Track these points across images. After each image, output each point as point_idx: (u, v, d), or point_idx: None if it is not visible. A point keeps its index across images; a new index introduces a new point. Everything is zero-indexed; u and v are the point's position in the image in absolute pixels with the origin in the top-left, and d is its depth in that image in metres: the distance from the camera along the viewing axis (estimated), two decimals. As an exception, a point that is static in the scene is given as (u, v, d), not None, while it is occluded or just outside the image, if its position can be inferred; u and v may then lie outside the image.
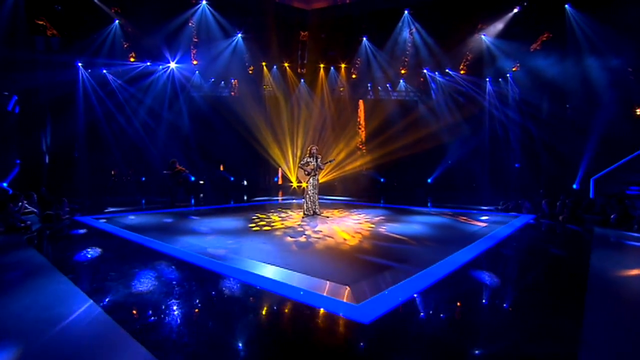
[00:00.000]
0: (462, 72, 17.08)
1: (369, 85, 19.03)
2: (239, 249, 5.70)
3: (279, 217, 9.25)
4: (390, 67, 17.37)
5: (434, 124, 17.02)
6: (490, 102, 16.36)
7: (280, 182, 18.68)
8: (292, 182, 18.06)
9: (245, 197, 15.00)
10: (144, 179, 16.57)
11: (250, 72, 17.87)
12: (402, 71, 17.90)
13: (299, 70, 18.51)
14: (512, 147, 15.35)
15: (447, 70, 17.30)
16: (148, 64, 16.04)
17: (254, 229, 7.55)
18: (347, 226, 7.89)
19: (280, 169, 18.32)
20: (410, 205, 11.94)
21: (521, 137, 15.19)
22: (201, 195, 15.47)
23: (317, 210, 9.34)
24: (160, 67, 16.55)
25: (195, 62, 17.26)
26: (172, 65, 16.75)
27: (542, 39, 14.41)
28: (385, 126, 17.74)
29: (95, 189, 13.89)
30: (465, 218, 9.09)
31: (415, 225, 7.99)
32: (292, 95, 18.27)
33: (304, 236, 6.78)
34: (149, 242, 6.15)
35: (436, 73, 17.84)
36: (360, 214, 9.82)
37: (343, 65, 18.46)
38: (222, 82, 18.46)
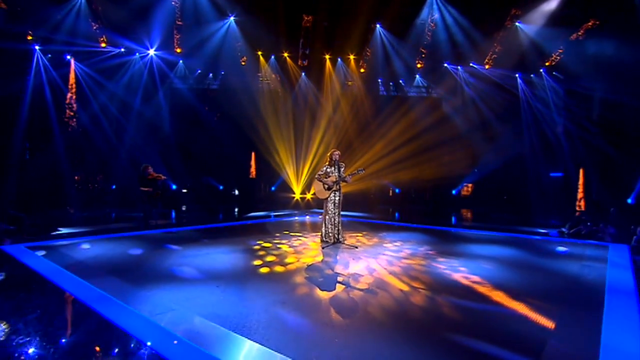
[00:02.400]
0: (487, 66, 15.27)
1: (379, 80, 17.09)
2: (251, 321, 3.56)
3: (291, 246, 7.12)
4: (408, 59, 15.47)
5: (460, 126, 15.11)
6: (528, 102, 14.53)
7: (282, 191, 16.49)
8: (294, 194, 15.88)
9: (237, 211, 12.81)
10: (114, 187, 14.22)
11: (242, 63, 15.75)
12: (419, 65, 16.04)
13: (300, 62, 16.45)
14: (554, 152, 13.54)
15: (471, 64, 15.49)
16: (122, 50, 13.78)
17: (261, 270, 5.40)
18: (390, 263, 5.82)
19: (281, 176, 16.10)
20: (447, 226, 9.95)
21: (565, 141, 13.39)
22: (183, 208, 13.21)
23: (340, 237, 7.23)
24: (137, 54, 14.31)
25: (178, 50, 15.07)
26: (151, 52, 14.53)
27: (586, 27, 12.67)
28: (398, 127, 15.77)
29: (46, 201, 11.50)
30: (539, 249, 7.11)
31: (484, 261, 5.96)
32: (294, 90, 16.18)
33: (340, 287, 4.66)
34: (98, 301, 3.96)
35: (458, 68, 16.02)
36: (394, 241, 7.76)
37: (352, 57, 16.49)
38: (211, 75, 16.32)
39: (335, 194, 7.36)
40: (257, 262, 5.81)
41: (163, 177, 9.06)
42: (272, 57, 16.22)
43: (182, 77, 15.57)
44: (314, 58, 16.48)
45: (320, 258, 6.17)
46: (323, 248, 6.86)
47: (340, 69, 16.56)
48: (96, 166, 13.51)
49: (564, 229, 8.66)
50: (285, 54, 16.28)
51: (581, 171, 12.85)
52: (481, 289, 4.62)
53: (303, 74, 16.61)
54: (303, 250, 6.77)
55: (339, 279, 5.01)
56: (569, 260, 6.24)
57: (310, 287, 4.63)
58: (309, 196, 15.74)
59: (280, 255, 6.32)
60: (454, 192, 15.54)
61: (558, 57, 14.11)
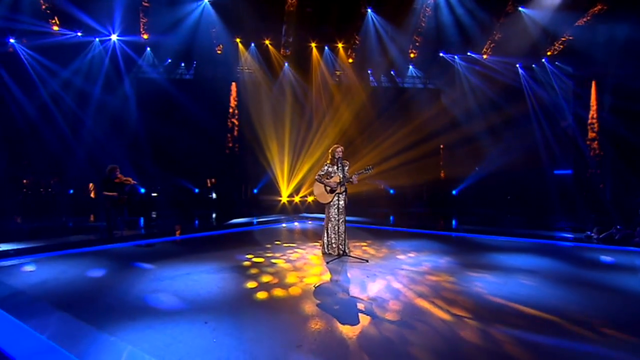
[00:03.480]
0: (485, 56, 14.84)
1: (369, 71, 16.41)
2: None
3: (287, 260, 6.23)
4: (404, 47, 14.84)
5: (460, 121, 14.56)
6: (534, 93, 14.10)
7: (266, 193, 15.50)
8: (280, 196, 14.92)
9: (217, 218, 11.79)
10: (71, 191, 12.88)
11: (218, 51, 14.74)
12: (412, 55, 15.47)
13: (282, 51, 15.54)
14: (562, 148, 13.18)
15: (469, 53, 15.03)
16: (79, 34, 12.52)
17: (258, 295, 4.49)
18: (414, 281, 5.06)
19: (265, 176, 15.10)
20: (459, 231, 9.29)
21: (574, 135, 13.03)
22: (154, 215, 12.07)
23: (346, 249, 6.38)
24: (97, 39, 13.06)
25: (145, 37, 13.92)
26: (114, 37, 13.32)
27: (593, 12, 12.34)
28: (388, 121, 15.09)
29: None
30: (577, 258, 6.50)
31: (522, 276, 5.31)
32: (278, 81, 15.24)
33: (364, 318, 3.82)
34: (39, 356, 2.98)
35: (455, 57, 15.52)
36: (406, 250, 7.00)
37: (341, 45, 15.72)
38: (183, 64, 15.23)
39: (339, 197, 6.53)
40: (251, 285, 4.89)
41: (132, 181, 7.98)
42: (252, 45, 15.25)
43: (151, 65, 14.38)
44: (299, 46, 15.63)
45: (327, 276, 5.31)
46: (328, 263, 5.99)
47: (328, 58, 15.76)
48: (48, 167, 12.14)
49: (591, 234, 8.12)
50: (267, 42, 15.36)
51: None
52: (538, 314, 3.88)
53: (286, 64, 15.71)
54: (304, 266, 5.89)
55: (360, 306, 4.16)
56: (623, 272, 5.61)
57: (327, 321, 3.75)
58: (297, 199, 14.85)
59: (277, 273, 5.42)
60: (454, 192, 14.99)
61: (561, 46, 13.78)
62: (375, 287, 4.79)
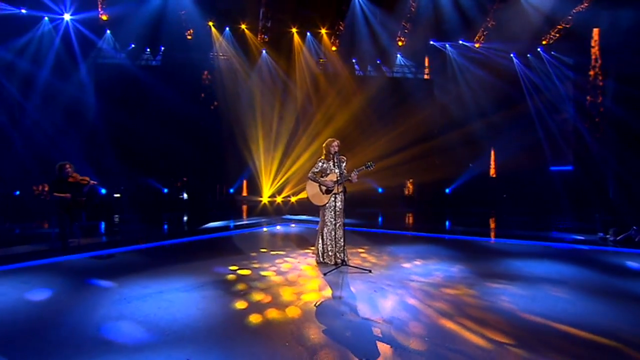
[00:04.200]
0: (476, 44, 14.63)
1: (353, 59, 15.96)
2: None
3: (278, 272, 5.62)
4: (392, 34, 14.45)
5: (454, 114, 14.25)
6: (532, 83, 13.94)
7: (244, 193, 14.74)
8: (261, 197, 14.20)
9: (190, 222, 11.00)
10: (17, 193, 11.77)
11: (188, 36, 13.95)
12: (400, 43, 15.13)
13: (259, 37, 14.85)
14: (561, 143, 13.07)
15: (461, 42, 14.79)
16: (23, 11, 11.46)
17: (251, 319, 3.86)
18: (429, 296, 4.59)
19: (243, 174, 14.36)
20: (462, 234, 8.91)
21: (574, 128, 12.93)
22: (116, 219, 11.17)
23: (345, 257, 5.82)
24: (46, 17, 12.00)
25: (104, 18, 12.97)
26: (67, 17, 12.29)
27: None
28: (378, 113, 14.65)
29: None
30: (602, 264, 6.18)
31: (550, 287, 4.95)
32: (256, 69, 14.53)
33: (384, 347, 3.29)
34: None
35: (446, 45, 15.26)
36: (410, 257, 6.55)
37: (324, 31, 15.18)
38: (148, 49, 14.31)
39: (335, 198, 5.96)
40: (239, 305, 4.25)
41: (90, 180, 7.14)
42: (227, 29, 14.49)
43: (112, 50, 13.39)
44: (278, 32, 14.98)
45: (328, 292, 4.73)
46: (325, 275, 5.41)
47: (311, 45, 15.17)
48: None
49: (605, 235, 7.87)
50: (243, 26, 14.65)
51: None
52: (589, 337, 3.44)
53: (264, 51, 15.03)
54: (298, 279, 5.28)
55: (376, 330, 3.60)
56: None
57: (339, 352, 3.18)
58: (279, 199, 14.19)
59: (269, 289, 4.79)
60: (447, 190, 14.70)
61: (557, 35, 13.66)
62: (388, 305, 4.25)
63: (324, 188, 5.98)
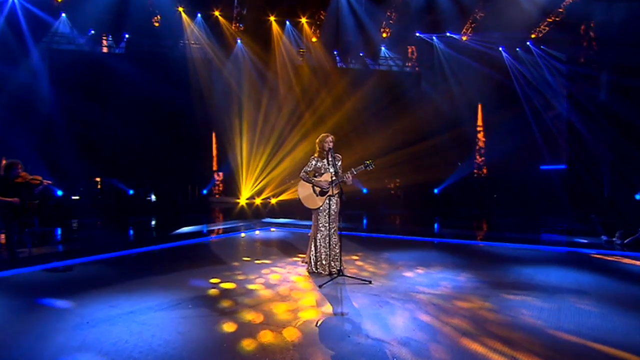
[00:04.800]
0: (464, 37, 14.52)
1: (335, 52, 15.63)
2: None
3: (267, 285, 5.17)
4: (377, 24, 14.19)
5: (442, 110, 14.10)
6: (525, 79, 13.93)
7: (217, 195, 14.12)
8: (238, 198, 13.62)
9: (160, 227, 10.36)
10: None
11: (155, 23, 13.27)
12: (384, 34, 14.91)
13: (234, 25, 14.27)
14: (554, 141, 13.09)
15: (449, 34, 14.68)
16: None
17: (245, 345, 3.42)
18: (443, 310, 4.26)
19: (216, 174, 13.73)
20: (457, 237, 8.69)
21: (567, 125, 12.95)
22: (74, 224, 10.40)
23: (341, 267, 5.41)
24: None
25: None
26: (14, -4, 11.41)
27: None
28: (363, 108, 14.36)
29: None
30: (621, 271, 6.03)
31: (574, 299, 4.70)
32: (232, 57, 13.95)
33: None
34: None
35: (433, 38, 15.11)
36: (411, 265, 6.24)
37: (304, 20, 14.76)
38: (110, 37, 13.53)
39: (330, 200, 5.54)
40: (228, 327, 3.77)
41: (43, 180, 6.44)
42: (199, 15, 13.86)
43: (69, 35, 12.54)
44: (255, 20, 14.46)
45: (327, 308, 4.30)
46: (321, 287, 4.98)
47: (291, 35, 14.71)
48: None
49: (613, 239, 7.77)
50: (217, 13, 14.05)
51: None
52: None
53: (239, 41, 14.48)
54: (291, 292, 4.83)
55: (392, 354, 3.20)
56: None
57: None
58: (258, 201, 13.64)
59: (259, 306, 4.33)
60: (436, 190, 14.54)
61: (547, 28, 13.69)
62: (399, 323, 3.86)
63: (317, 189, 5.56)
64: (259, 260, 6.54)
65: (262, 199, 13.77)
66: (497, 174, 13.90)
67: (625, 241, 7.48)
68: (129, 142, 12.23)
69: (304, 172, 5.62)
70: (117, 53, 13.28)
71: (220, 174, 13.60)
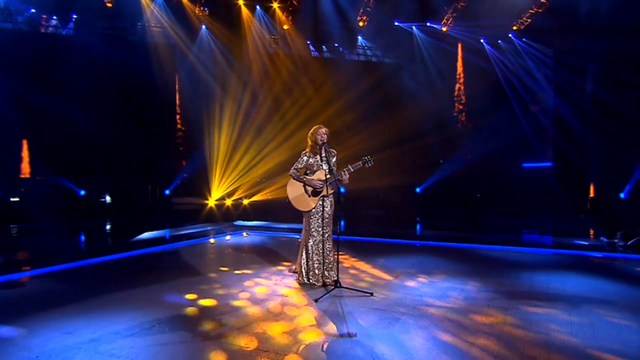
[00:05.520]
0: (444, 27, 14.43)
1: (308, 41, 15.22)
2: None
3: (253, 300, 4.68)
4: (354, 12, 13.90)
5: (424, 103, 13.94)
6: (509, 70, 13.96)
7: (182, 195, 13.36)
8: (206, 199, 12.91)
9: (118, 233, 9.61)
10: None
11: (108, 4, 12.45)
12: (361, 23, 14.66)
13: (197, 9, 13.57)
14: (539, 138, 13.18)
15: (429, 24, 14.59)
16: None
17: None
18: (463, 328, 3.95)
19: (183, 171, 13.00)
20: (452, 241, 8.46)
21: (553, 122, 13.06)
22: (14, 230, 9.50)
23: (337, 277, 5.00)
24: None
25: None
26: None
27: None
28: (341, 103, 14.03)
29: None
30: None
31: (598, 309, 4.46)
32: (197, 43, 13.26)
33: None
34: None
35: (413, 27, 14.95)
36: (410, 272, 5.93)
37: (276, 5, 14.24)
38: (55, 17, 12.59)
39: (324, 201, 5.12)
40: (217, 357, 3.25)
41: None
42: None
43: (5, 12, 11.48)
44: (221, 3, 13.81)
45: (330, 327, 3.87)
46: (317, 302, 4.54)
47: (262, 21, 14.16)
48: None
49: (614, 240, 7.76)
50: (182, -6, 13.30)
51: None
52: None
53: (204, 26, 13.80)
54: (284, 309, 4.36)
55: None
56: None
57: None
58: (228, 202, 12.98)
59: (249, 328, 3.84)
60: (418, 190, 14.38)
61: (529, 20, 13.76)
62: (418, 345, 3.48)
63: (309, 189, 5.11)
64: (238, 270, 6.01)
65: (233, 200, 13.14)
66: (481, 172, 13.86)
67: (629, 243, 7.47)
68: (79, 136, 11.28)
69: (294, 169, 5.17)
70: (64, 35, 12.31)
71: (186, 171, 12.83)
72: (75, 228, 10.33)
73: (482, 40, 15.04)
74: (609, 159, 11.45)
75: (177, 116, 13.13)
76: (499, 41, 14.78)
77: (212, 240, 8.69)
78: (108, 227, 10.98)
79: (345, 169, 5.05)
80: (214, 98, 13.18)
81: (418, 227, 11.89)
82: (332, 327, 3.86)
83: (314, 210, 5.14)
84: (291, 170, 5.19)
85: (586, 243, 8.22)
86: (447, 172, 13.77)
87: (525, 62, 13.71)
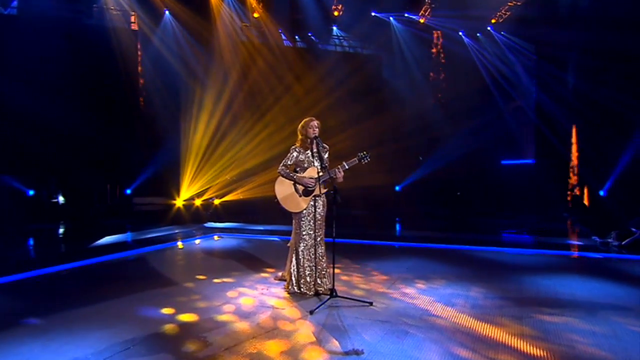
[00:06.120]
0: (422, 19, 14.36)
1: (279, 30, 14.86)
2: None
3: (239, 314, 4.34)
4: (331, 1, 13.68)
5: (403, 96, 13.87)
6: (489, 63, 14.03)
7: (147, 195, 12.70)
8: (175, 198, 12.29)
9: (64, 236, 8.96)
10: None
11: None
12: (336, 13, 14.44)
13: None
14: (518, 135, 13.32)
15: (406, 15, 14.51)
16: None
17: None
18: (478, 342, 3.69)
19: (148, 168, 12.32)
20: (444, 241, 8.32)
21: (537, 115, 13.17)
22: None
23: (331, 284, 4.70)
24: None
25: None
26: None
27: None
28: (318, 93, 13.77)
29: None
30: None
31: (617, 317, 4.27)
32: (162, 26, 12.67)
33: None
34: None
35: (390, 18, 14.83)
36: (406, 277, 5.69)
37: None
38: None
39: (316, 201, 4.81)
40: (208, 386, 2.88)
41: None
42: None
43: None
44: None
45: (334, 344, 3.56)
46: (312, 314, 4.21)
47: (232, 7, 13.68)
48: None
49: (608, 240, 7.80)
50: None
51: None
52: None
53: (167, 12, 13.19)
54: (276, 324, 4.01)
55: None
56: None
57: None
58: (198, 202, 12.41)
59: (240, 347, 3.49)
60: (397, 188, 14.27)
61: (507, 13, 13.86)
62: (436, 362, 3.21)
63: (300, 188, 4.78)
64: (217, 278, 5.59)
65: (204, 200, 12.60)
66: (461, 170, 13.88)
67: (623, 242, 7.52)
68: (28, 128, 10.39)
69: (283, 165, 4.82)
70: (6, 15, 11.41)
71: (151, 168, 12.16)
72: (23, 233, 9.53)
73: (460, 33, 15.07)
74: (593, 153, 11.63)
75: (141, 106, 12.37)
76: (478, 34, 14.86)
77: (180, 245, 8.17)
78: (61, 231, 10.25)
79: (339, 166, 4.76)
80: (183, 89, 12.57)
81: (398, 227, 11.76)
82: (334, 344, 3.55)
83: (305, 211, 4.80)
84: (280, 167, 4.83)
85: (581, 243, 8.26)
86: (428, 170, 13.71)
87: (506, 56, 13.81)
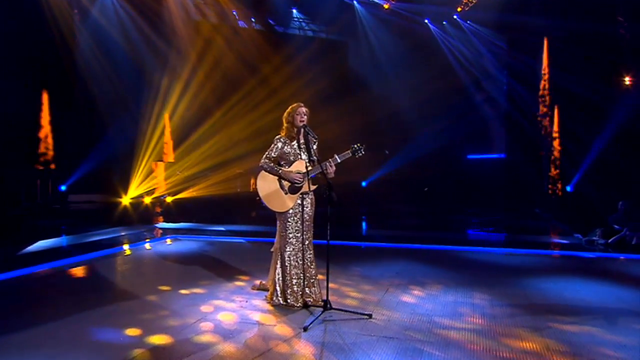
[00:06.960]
0: (386, 5, 14.22)
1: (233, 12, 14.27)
2: None
3: (222, 334, 3.88)
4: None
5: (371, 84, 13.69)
6: (459, 53, 14.07)
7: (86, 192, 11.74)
8: (120, 196, 11.40)
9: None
10: None
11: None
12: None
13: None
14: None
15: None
16: None
17: None
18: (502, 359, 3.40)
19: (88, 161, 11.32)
20: (430, 242, 8.15)
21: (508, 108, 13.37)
22: None
23: (322, 295, 4.35)
24: None
25: None
26: None
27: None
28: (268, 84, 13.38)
29: None
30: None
31: (635, 324, 4.16)
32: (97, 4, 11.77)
33: None
34: None
35: (354, 1, 14.58)
36: (399, 284, 5.40)
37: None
38: None
39: (304, 199, 4.42)
40: None
41: None
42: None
43: None
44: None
45: (341, 369, 3.17)
46: (307, 330, 3.82)
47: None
48: None
49: (593, 238, 7.91)
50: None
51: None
52: None
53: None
54: (268, 344, 3.59)
55: None
56: None
57: None
58: (147, 200, 11.58)
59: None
60: (364, 184, 14.10)
61: (474, 1, 13.95)
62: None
63: (286, 184, 4.36)
64: (184, 289, 5.05)
65: (154, 198, 11.81)
66: (428, 164, 13.93)
67: (609, 241, 7.65)
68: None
69: (266, 158, 4.39)
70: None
71: (91, 161, 11.19)
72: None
73: (426, 21, 15.05)
74: (567, 146, 11.95)
75: (78, 88, 11.31)
76: (444, 22, 14.89)
77: (127, 251, 7.47)
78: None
79: (331, 159, 4.39)
80: (130, 71, 11.66)
81: (364, 225, 11.59)
82: (338, 366, 3.18)
83: (291, 211, 4.39)
84: (262, 160, 4.40)
85: (567, 242, 8.37)
86: (394, 166, 13.64)
87: (475, 46, 13.92)
